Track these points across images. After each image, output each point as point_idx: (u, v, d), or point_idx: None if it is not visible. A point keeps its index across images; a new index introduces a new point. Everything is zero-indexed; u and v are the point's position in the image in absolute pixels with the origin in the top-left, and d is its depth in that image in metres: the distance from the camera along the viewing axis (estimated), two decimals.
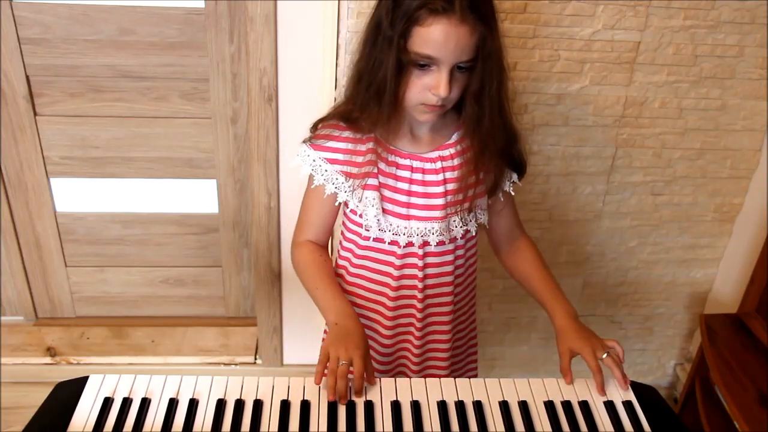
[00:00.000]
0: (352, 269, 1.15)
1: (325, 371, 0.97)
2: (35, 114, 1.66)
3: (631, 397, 1.00)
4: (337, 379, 0.94)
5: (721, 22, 1.50)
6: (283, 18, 1.44)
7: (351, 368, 0.96)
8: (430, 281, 1.12)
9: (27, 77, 1.61)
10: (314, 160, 1.06)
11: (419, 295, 1.13)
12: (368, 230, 1.08)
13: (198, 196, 1.81)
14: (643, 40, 1.51)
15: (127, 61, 1.60)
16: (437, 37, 0.91)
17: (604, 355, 1.02)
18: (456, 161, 1.08)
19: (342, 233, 1.16)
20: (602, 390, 1.00)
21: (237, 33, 1.58)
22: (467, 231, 1.11)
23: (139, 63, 1.61)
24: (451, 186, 1.07)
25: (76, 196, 1.79)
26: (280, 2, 1.42)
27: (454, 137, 1.09)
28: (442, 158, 1.07)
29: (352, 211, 1.09)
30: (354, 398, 0.95)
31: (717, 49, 1.53)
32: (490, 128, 1.03)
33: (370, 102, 0.99)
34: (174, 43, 1.59)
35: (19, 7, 1.53)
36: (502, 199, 1.15)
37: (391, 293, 1.13)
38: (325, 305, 1.07)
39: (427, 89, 0.96)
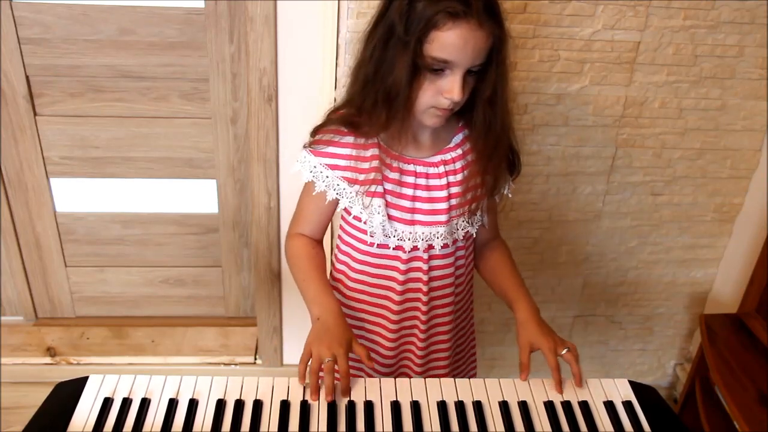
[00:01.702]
0: (352, 274, 1.15)
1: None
2: (35, 114, 1.66)
3: (631, 397, 1.00)
4: (324, 375, 0.94)
5: (721, 22, 1.50)
6: (283, 18, 1.44)
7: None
8: (434, 283, 1.12)
9: (27, 77, 1.61)
10: (315, 166, 1.06)
11: (424, 298, 1.13)
12: (373, 236, 1.07)
13: (198, 196, 1.81)
14: (643, 40, 1.51)
15: (127, 61, 1.60)
16: (455, 42, 0.90)
17: (564, 351, 1.03)
18: (458, 165, 1.08)
19: (339, 237, 1.16)
20: (560, 387, 1.00)
21: (237, 33, 1.58)
22: (467, 232, 1.11)
23: (139, 63, 1.61)
24: (454, 190, 1.07)
25: (76, 196, 1.79)
26: (280, 2, 1.42)
27: (455, 140, 1.09)
28: (445, 162, 1.07)
29: (355, 217, 1.09)
30: (341, 397, 0.95)
31: (717, 49, 1.53)
32: (501, 131, 1.04)
33: (377, 107, 0.98)
34: (174, 43, 1.59)
35: (19, 7, 1.53)
36: (498, 201, 1.15)
37: (397, 297, 1.13)
38: (311, 298, 1.07)
39: (440, 93, 0.95)
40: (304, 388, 0.96)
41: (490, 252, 1.21)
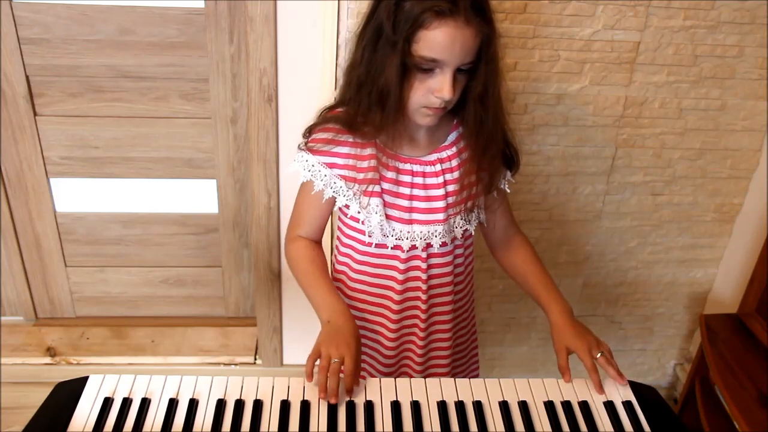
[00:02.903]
0: (352, 274, 1.15)
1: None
2: (35, 114, 1.66)
3: (631, 397, 1.00)
4: (329, 377, 0.94)
5: (721, 22, 1.50)
6: (283, 18, 1.44)
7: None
8: (433, 282, 1.13)
9: (27, 77, 1.61)
10: (313, 165, 1.06)
11: (423, 297, 1.13)
12: (371, 236, 1.08)
13: (198, 196, 1.81)
14: (643, 40, 1.51)
15: (126, 61, 1.60)
16: (443, 40, 0.90)
17: (599, 355, 1.03)
18: (454, 162, 1.08)
19: (338, 238, 1.16)
20: (600, 389, 1.00)
21: (237, 33, 1.58)
22: (466, 230, 1.11)
23: (138, 63, 1.61)
24: (451, 188, 1.07)
25: (76, 196, 1.79)
26: (280, 2, 1.42)
27: (451, 138, 1.09)
28: (441, 160, 1.07)
29: (352, 218, 1.09)
30: (346, 397, 0.95)
31: (717, 49, 1.53)
32: (493, 129, 1.03)
33: (372, 107, 0.98)
34: (174, 43, 1.59)
35: (19, 7, 1.53)
36: (496, 197, 1.15)
37: (396, 296, 1.13)
38: (319, 302, 1.06)
39: (430, 92, 0.95)
40: (304, 388, 0.96)
41: (515, 250, 1.20)
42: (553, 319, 1.10)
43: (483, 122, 1.02)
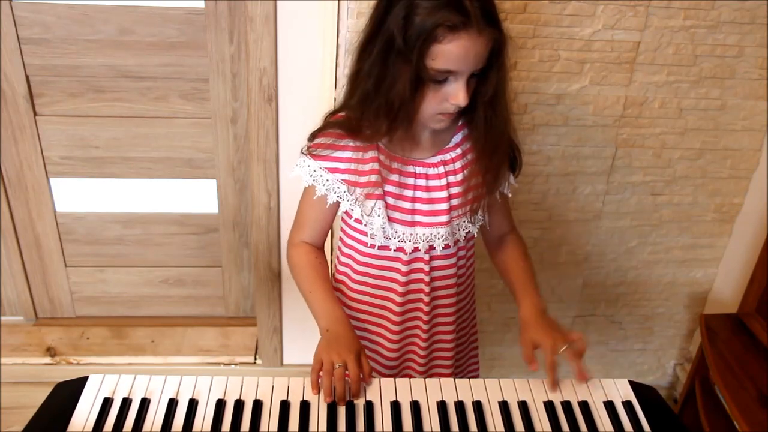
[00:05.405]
0: (354, 276, 1.14)
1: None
2: (35, 114, 1.66)
3: (631, 397, 1.00)
4: (336, 382, 0.94)
5: (721, 22, 1.50)
6: (283, 18, 1.44)
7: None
8: (436, 284, 1.12)
9: (27, 77, 1.61)
10: (315, 170, 1.05)
11: (426, 299, 1.12)
12: (373, 238, 1.07)
13: (198, 196, 1.81)
14: (643, 40, 1.51)
15: (127, 61, 1.60)
16: (457, 53, 0.90)
17: (563, 349, 1.01)
18: (458, 164, 1.07)
19: (341, 239, 1.16)
20: (554, 387, 1.00)
21: (237, 33, 1.58)
22: (468, 232, 1.11)
23: (138, 63, 1.61)
24: (454, 190, 1.07)
25: (76, 196, 1.79)
26: (280, 2, 1.42)
27: (455, 140, 1.09)
28: (445, 162, 1.07)
29: (356, 220, 1.09)
30: (353, 400, 0.95)
31: (717, 49, 1.53)
32: (502, 131, 1.04)
33: (380, 116, 0.97)
34: (174, 43, 1.59)
35: (19, 7, 1.53)
36: (499, 199, 1.15)
37: (399, 299, 1.13)
38: (318, 310, 1.07)
39: (445, 100, 0.95)
40: (304, 387, 0.96)
41: (504, 246, 1.21)
42: (522, 313, 1.10)
43: (492, 125, 1.02)
